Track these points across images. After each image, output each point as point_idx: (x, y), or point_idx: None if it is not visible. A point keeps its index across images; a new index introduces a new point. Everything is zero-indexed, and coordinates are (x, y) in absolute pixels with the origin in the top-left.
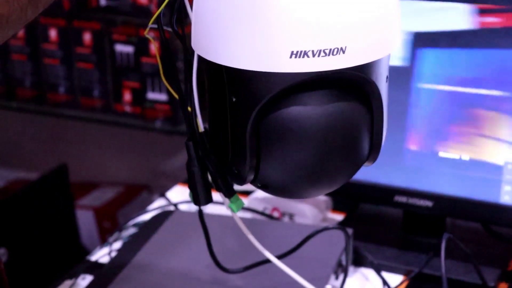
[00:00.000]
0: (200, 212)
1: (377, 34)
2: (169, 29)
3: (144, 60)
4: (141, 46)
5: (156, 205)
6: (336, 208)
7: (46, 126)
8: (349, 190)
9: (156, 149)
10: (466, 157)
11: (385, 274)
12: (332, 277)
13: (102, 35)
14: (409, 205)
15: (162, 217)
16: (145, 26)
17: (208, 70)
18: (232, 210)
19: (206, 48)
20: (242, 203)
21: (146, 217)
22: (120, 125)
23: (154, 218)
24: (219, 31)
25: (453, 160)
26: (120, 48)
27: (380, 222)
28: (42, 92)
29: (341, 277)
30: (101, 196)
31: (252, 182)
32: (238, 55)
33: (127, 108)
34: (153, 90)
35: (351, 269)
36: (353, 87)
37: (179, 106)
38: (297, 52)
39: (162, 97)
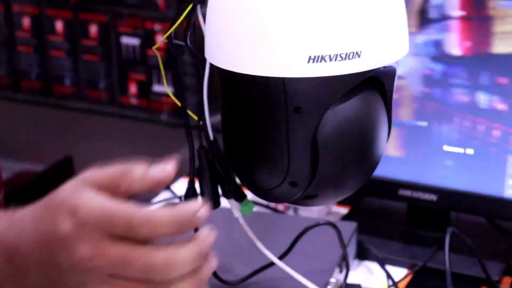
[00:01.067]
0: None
1: (389, 39)
2: (181, 43)
3: (150, 52)
4: (147, 39)
5: (161, 198)
6: (340, 202)
7: (52, 118)
8: None
9: (161, 142)
10: (470, 150)
11: (389, 268)
12: (336, 270)
13: (108, 28)
14: (413, 199)
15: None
16: (152, 18)
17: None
18: (244, 214)
19: (220, 57)
20: (253, 206)
21: None
22: (125, 118)
23: None
24: (235, 41)
25: (458, 153)
26: (126, 40)
27: (384, 216)
28: (48, 84)
29: (346, 270)
30: None
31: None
32: (257, 63)
33: (133, 101)
34: (159, 82)
35: (355, 262)
36: (373, 87)
37: (183, 116)
38: (315, 57)
39: (169, 89)
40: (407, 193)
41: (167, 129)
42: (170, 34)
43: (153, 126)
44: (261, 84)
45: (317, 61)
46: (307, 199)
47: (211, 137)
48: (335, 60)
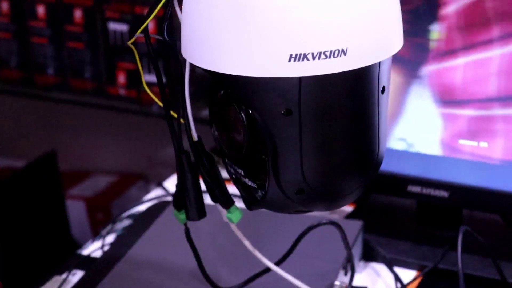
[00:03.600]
0: (187, 231)
1: (379, 35)
2: (159, 37)
3: (140, 39)
4: (137, 24)
5: (153, 195)
6: None
7: (34, 110)
8: None
9: (153, 135)
10: (484, 144)
11: (397, 269)
12: (341, 272)
13: (94, 12)
14: (423, 195)
15: (159, 208)
16: (141, 2)
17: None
18: (231, 221)
19: (195, 54)
20: (241, 213)
21: (141, 208)
22: (114, 110)
23: (150, 209)
24: (211, 36)
25: (471, 147)
26: (114, 26)
27: (392, 214)
28: (29, 74)
29: (351, 272)
30: (93, 185)
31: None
32: (233, 61)
33: (122, 91)
34: (149, 72)
35: (361, 264)
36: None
37: (165, 117)
38: (296, 55)
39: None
40: (416, 189)
41: (159, 122)
42: (146, 27)
43: (144, 118)
44: (245, 83)
45: (298, 60)
46: (299, 193)
47: (195, 138)
48: (319, 58)
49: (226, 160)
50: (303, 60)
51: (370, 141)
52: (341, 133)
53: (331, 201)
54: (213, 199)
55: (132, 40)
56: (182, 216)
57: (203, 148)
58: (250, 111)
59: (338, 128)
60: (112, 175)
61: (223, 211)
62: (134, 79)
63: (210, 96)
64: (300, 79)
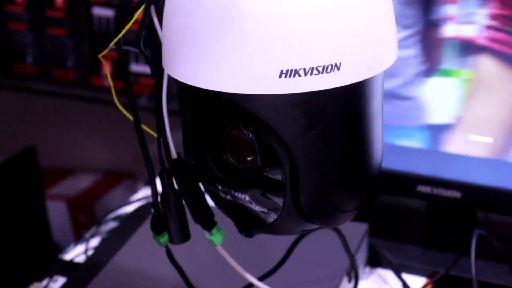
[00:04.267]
0: (169, 252)
1: (374, 48)
2: (135, 50)
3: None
4: (123, 10)
5: (141, 195)
6: None
7: (11, 102)
8: None
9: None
10: (500, 140)
11: (405, 276)
12: (345, 279)
13: None
14: (434, 196)
15: (147, 209)
16: None
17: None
18: (213, 243)
19: (179, 67)
20: (224, 234)
21: (129, 209)
22: (98, 102)
23: (138, 211)
24: (195, 50)
25: (486, 143)
26: (99, 11)
27: (400, 216)
28: (6, 63)
29: (355, 279)
30: (76, 184)
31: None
32: (219, 77)
33: (107, 82)
34: (137, 61)
35: (366, 270)
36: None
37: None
38: (287, 71)
39: (148, 69)
40: (426, 189)
41: (147, 115)
42: (119, 39)
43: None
44: (225, 100)
45: (290, 76)
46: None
47: (174, 155)
48: (311, 74)
49: (220, 187)
50: (294, 76)
51: (380, 147)
52: (360, 142)
53: (346, 216)
54: (195, 219)
55: (103, 53)
56: (163, 239)
57: (183, 166)
58: (261, 131)
59: (357, 137)
60: (96, 173)
61: (205, 233)
62: (120, 69)
63: (200, 119)
64: (326, 90)
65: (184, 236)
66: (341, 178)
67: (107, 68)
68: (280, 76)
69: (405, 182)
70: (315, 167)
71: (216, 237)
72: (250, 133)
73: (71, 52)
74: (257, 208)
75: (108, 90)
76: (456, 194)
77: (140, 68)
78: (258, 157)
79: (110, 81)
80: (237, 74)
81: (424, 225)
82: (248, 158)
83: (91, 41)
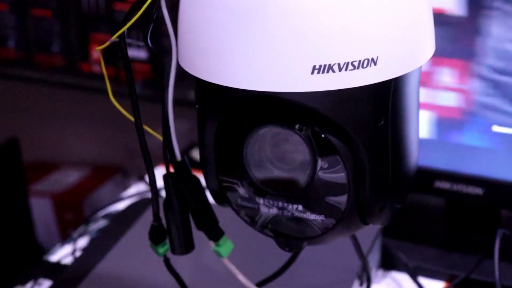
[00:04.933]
0: (167, 261)
1: (412, 41)
2: (139, 44)
3: (118, 6)
4: None
5: (133, 192)
6: None
7: None
8: None
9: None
10: None
11: (422, 280)
12: (356, 283)
13: None
14: (453, 192)
15: (140, 206)
16: None
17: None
18: (220, 255)
19: (201, 65)
20: (232, 245)
21: (119, 206)
22: (87, 90)
23: (129, 208)
24: (217, 45)
25: (511, 135)
26: None
27: (416, 215)
28: None
29: (367, 283)
30: (62, 180)
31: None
32: (244, 74)
33: (96, 68)
34: (129, 45)
35: (379, 273)
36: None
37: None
38: (320, 66)
39: (141, 54)
40: (445, 185)
41: (140, 104)
42: (123, 32)
43: (123, 100)
44: (278, 102)
45: (323, 72)
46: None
47: (178, 157)
48: (346, 69)
49: (263, 201)
50: (328, 72)
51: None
52: (414, 134)
53: (393, 213)
54: (199, 227)
55: (103, 46)
56: (162, 249)
57: (188, 169)
58: (319, 130)
59: (413, 128)
60: (84, 168)
61: (211, 243)
62: (111, 53)
63: (232, 129)
64: (393, 80)
65: (188, 246)
66: (399, 173)
67: (102, 60)
68: (312, 73)
69: (421, 178)
70: (380, 162)
71: (224, 248)
72: (307, 134)
73: (57, 35)
74: (312, 217)
75: (97, 77)
76: (478, 191)
77: (132, 53)
78: (318, 159)
79: (104, 73)
80: (266, 71)
81: (442, 225)
82: (298, 164)
83: (79, 23)
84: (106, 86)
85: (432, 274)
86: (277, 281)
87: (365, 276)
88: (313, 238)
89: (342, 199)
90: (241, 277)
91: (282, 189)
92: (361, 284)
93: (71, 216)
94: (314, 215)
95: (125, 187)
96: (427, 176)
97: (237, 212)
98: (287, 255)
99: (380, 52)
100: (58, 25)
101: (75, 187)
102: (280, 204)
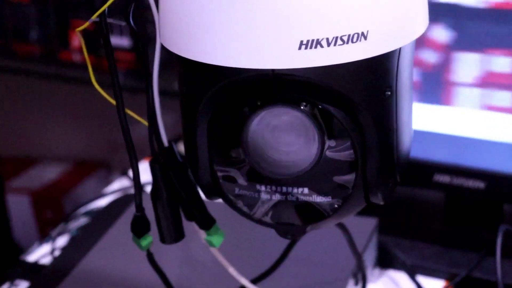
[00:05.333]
0: (150, 256)
1: (404, 14)
2: (121, 23)
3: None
4: None
5: (115, 187)
6: None
7: None
8: None
9: (116, 112)
10: None
11: (421, 279)
12: (351, 282)
13: None
14: (453, 186)
15: (123, 203)
16: None
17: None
18: (212, 245)
19: (181, 41)
20: (223, 234)
21: (101, 203)
22: (66, 80)
23: (112, 205)
24: (198, 21)
25: None
26: None
27: (414, 210)
28: None
29: (362, 283)
30: (41, 175)
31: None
32: (228, 50)
33: (77, 57)
34: (112, 32)
35: (376, 272)
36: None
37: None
38: (308, 41)
39: (124, 42)
40: (445, 179)
41: (124, 95)
42: (104, 11)
43: (106, 91)
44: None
45: (311, 47)
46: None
47: (165, 143)
48: (335, 44)
49: (264, 188)
50: (316, 47)
51: None
52: (411, 108)
53: (394, 190)
54: (189, 218)
55: (83, 27)
56: (145, 242)
57: (175, 156)
58: (326, 106)
59: (411, 102)
60: (64, 163)
61: (201, 233)
62: (92, 41)
63: (225, 113)
64: (400, 49)
65: (178, 235)
66: (402, 146)
67: (83, 42)
68: (300, 48)
69: (420, 171)
70: (387, 135)
71: (216, 237)
72: (313, 113)
73: (35, 22)
74: (318, 199)
75: (77, 66)
76: (479, 184)
77: (114, 40)
78: (326, 138)
79: (86, 57)
80: (251, 48)
81: (442, 221)
82: (304, 145)
83: (58, 9)
84: (87, 75)
85: (431, 273)
86: (268, 281)
87: (361, 275)
88: (318, 222)
89: (350, 178)
90: (232, 270)
91: (286, 173)
92: (356, 284)
93: (50, 213)
94: (321, 197)
95: (108, 182)
96: (425, 169)
97: (233, 204)
98: (278, 252)
99: (371, 26)
100: (36, 12)
101: (54, 183)
102: (284, 189)
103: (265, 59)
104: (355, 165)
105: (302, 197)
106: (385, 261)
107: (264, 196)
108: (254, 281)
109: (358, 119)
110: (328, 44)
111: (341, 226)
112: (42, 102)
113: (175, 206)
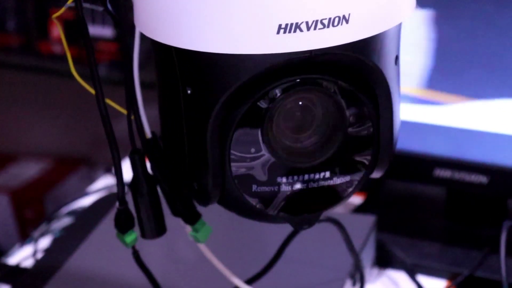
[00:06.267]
0: (136, 254)
1: None
2: (98, 8)
3: None
4: None
5: (100, 185)
6: None
7: None
8: None
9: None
10: None
11: (421, 278)
12: (348, 282)
13: None
14: (455, 181)
15: (108, 201)
16: None
17: (159, 54)
18: (198, 240)
19: (151, 24)
20: (210, 229)
21: (85, 202)
22: (46, 72)
23: (97, 204)
24: (173, 4)
25: None
26: None
27: (414, 206)
28: None
29: (360, 283)
30: (21, 173)
31: (219, 202)
32: (204, 34)
33: (57, 48)
34: (93, 22)
35: (374, 271)
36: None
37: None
38: (287, 25)
39: (107, 32)
40: (446, 173)
41: (107, 88)
42: None
43: (88, 84)
44: (215, 62)
45: (289, 31)
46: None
47: (148, 134)
48: (315, 28)
49: (285, 180)
50: (295, 31)
51: None
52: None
53: None
54: (174, 212)
55: (59, 13)
56: (129, 238)
57: (158, 147)
58: (344, 84)
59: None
60: (45, 160)
61: (188, 228)
62: (73, 31)
63: (248, 97)
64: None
65: (159, 229)
66: (398, 120)
67: (61, 29)
68: (278, 32)
69: (420, 165)
70: (392, 106)
71: (201, 233)
72: (334, 91)
73: (13, 12)
74: (339, 180)
75: (58, 57)
76: (482, 179)
77: (97, 30)
78: (347, 115)
79: (65, 44)
80: (229, 32)
81: (443, 217)
82: (325, 126)
83: None
84: (68, 67)
85: (432, 272)
86: (263, 281)
87: (358, 275)
88: (335, 204)
89: (368, 154)
90: (224, 269)
91: (311, 159)
92: (353, 284)
93: (31, 213)
94: (341, 178)
95: (92, 180)
96: (426, 163)
97: (244, 205)
98: (273, 251)
99: (352, 9)
100: (13, 0)
101: (35, 181)
102: (306, 177)
103: (243, 44)
104: (372, 140)
105: (322, 182)
106: (384, 260)
107: (284, 188)
108: (248, 282)
109: (375, 91)
110: (308, 28)
111: (338, 224)
112: (21, 96)
113: (156, 199)
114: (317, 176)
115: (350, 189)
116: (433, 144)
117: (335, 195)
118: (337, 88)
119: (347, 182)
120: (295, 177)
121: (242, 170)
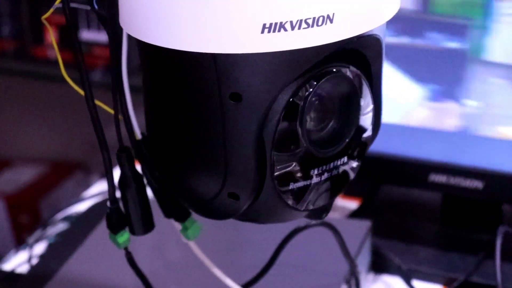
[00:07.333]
0: (129, 256)
1: None
2: (86, 8)
3: None
4: None
5: (95, 191)
6: (348, 193)
7: None
8: (366, 167)
9: None
10: None
11: (417, 284)
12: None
13: None
14: (450, 186)
15: (104, 207)
16: None
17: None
18: (187, 238)
19: (136, 24)
20: (200, 227)
21: (81, 207)
22: (41, 77)
23: (92, 209)
24: (156, 3)
25: None
26: None
27: (409, 211)
28: None
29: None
30: (16, 178)
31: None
32: (191, 36)
33: (51, 53)
34: (88, 27)
35: (370, 277)
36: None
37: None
38: (271, 25)
39: (102, 37)
40: (441, 178)
41: (102, 93)
42: None
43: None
44: (199, 63)
45: (274, 31)
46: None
47: (138, 135)
48: (299, 28)
49: (317, 171)
50: (279, 31)
51: None
52: None
53: None
54: (165, 213)
55: (48, 14)
56: (122, 238)
57: (148, 147)
58: (356, 69)
59: None
60: (41, 165)
61: (177, 226)
62: (67, 37)
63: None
64: None
65: (147, 225)
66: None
67: (52, 34)
68: (262, 32)
69: (415, 171)
70: (380, 86)
71: (191, 231)
72: (353, 75)
73: (7, 16)
74: (353, 164)
75: (53, 62)
76: (477, 184)
77: (92, 35)
78: (361, 98)
79: (56, 48)
80: (211, 31)
81: (439, 222)
82: (346, 111)
83: (31, 2)
84: (61, 73)
85: (428, 277)
86: (258, 286)
87: (354, 281)
88: (342, 189)
89: (369, 134)
90: (214, 268)
91: (334, 146)
92: None
93: (26, 218)
94: (355, 161)
95: (87, 185)
96: (421, 168)
97: (276, 205)
98: (268, 256)
99: (336, 8)
100: (8, 5)
101: (30, 186)
102: (332, 165)
103: (227, 43)
104: (372, 121)
105: (342, 168)
106: (379, 266)
107: (315, 180)
108: (244, 287)
109: (371, 73)
110: (293, 28)
111: (333, 229)
112: (16, 101)
113: (144, 197)
114: (339, 162)
115: (357, 170)
116: (428, 149)
117: (346, 179)
118: (350, 73)
119: (357, 165)
120: (324, 167)
121: (284, 169)
